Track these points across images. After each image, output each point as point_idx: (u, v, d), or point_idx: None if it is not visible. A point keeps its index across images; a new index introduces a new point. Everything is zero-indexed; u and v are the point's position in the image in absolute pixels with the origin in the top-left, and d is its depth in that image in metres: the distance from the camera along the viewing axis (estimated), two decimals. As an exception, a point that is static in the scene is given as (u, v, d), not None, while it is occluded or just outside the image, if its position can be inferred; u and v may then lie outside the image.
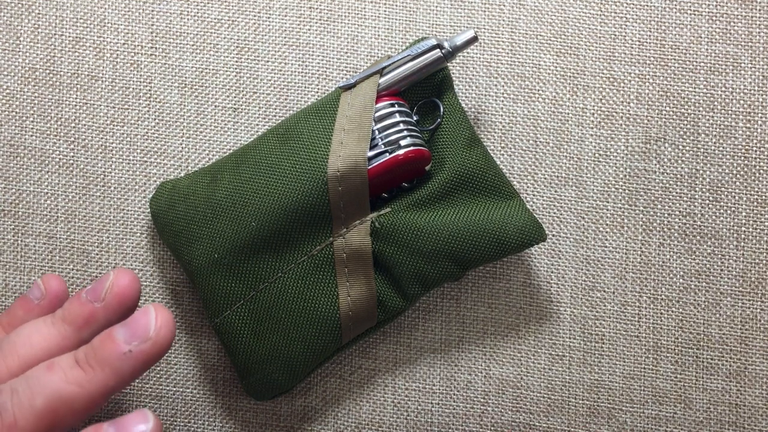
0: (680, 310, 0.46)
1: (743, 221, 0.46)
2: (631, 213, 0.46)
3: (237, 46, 0.47)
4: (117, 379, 0.36)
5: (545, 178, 0.46)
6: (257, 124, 0.47)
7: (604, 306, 0.46)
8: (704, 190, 0.46)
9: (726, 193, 0.46)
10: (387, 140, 0.42)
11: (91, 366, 0.35)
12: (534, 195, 0.46)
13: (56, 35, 0.47)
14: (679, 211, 0.46)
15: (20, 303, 0.41)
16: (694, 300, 0.46)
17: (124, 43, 0.47)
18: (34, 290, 0.42)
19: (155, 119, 0.47)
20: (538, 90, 0.47)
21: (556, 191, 0.46)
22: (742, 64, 0.47)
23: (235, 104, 0.47)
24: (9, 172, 0.46)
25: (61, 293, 0.42)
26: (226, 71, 0.47)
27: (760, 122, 0.46)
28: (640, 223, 0.46)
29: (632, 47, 0.47)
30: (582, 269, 0.46)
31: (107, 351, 0.36)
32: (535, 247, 0.46)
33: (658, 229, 0.46)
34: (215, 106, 0.47)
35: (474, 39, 0.43)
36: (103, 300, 0.38)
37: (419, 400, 0.46)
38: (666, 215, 0.46)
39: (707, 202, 0.46)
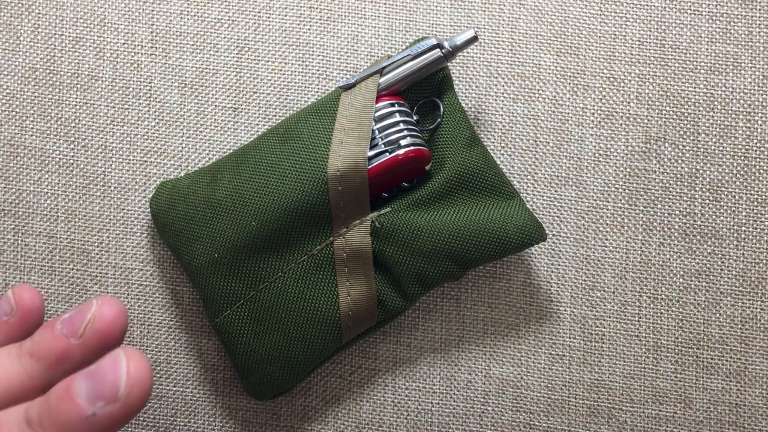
0: (680, 309, 0.46)
1: (743, 221, 0.46)
2: (631, 213, 0.46)
3: (237, 46, 0.47)
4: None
5: (545, 178, 0.46)
6: (257, 124, 0.47)
7: (604, 306, 0.46)
8: (704, 189, 0.46)
9: (726, 192, 0.46)
10: (387, 140, 0.42)
11: (44, 430, 0.29)
12: (534, 195, 0.46)
13: (56, 35, 0.47)
14: (680, 211, 0.46)
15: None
16: (694, 300, 0.46)
17: (124, 43, 0.47)
18: (2, 304, 0.35)
19: (155, 119, 0.47)
20: (538, 90, 0.47)
21: (556, 191, 0.46)
22: (743, 64, 0.47)
23: (235, 104, 0.47)
24: (9, 172, 0.46)
25: (34, 310, 0.35)
26: (226, 71, 0.47)
27: (760, 122, 0.46)
28: (641, 222, 0.46)
29: (632, 47, 0.47)
30: (582, 269, 0.46)
31: (66, 413, 0.29)
32: (535, 247, 0.46)
33: (658, 228, 0.46)
34: (215, 106, 0.47)
35: (474, 39, 0.43)
36: (81, 336, 0.32)
37: (419, 400, 0.46)
38: (666, 215, 0.46)
39: (707, 201, 0.46)
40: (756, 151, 0.46)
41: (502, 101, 0.47)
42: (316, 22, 0.47)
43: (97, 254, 0.46)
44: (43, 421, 0.29)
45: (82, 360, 0.32)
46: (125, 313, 0.33)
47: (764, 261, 0.46)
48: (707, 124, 0.47)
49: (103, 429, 0.29)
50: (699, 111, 0.47)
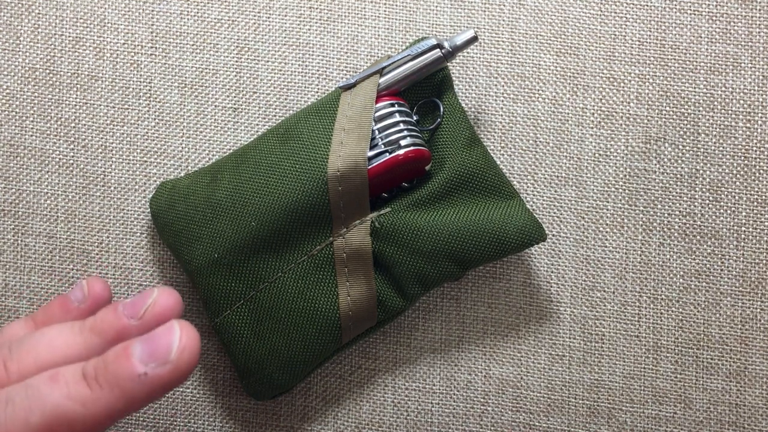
0: (680, 309, 0.46)
1: (743, 221, 0.46)
2: (631, 213, 0.46)
3: (237, 46, 0.47)
4: (126, 403, 0.31)
5: (545, 178, 0.46)
6: (257, 124, 0.47)
7: (604, 306, 0.46)
8: (704, 190, 0.46)
9: (726, 192, 0.46)
10: (387, 140, 0.42)
11: (99, 384, 0.32)
12: (534, 195, 0.46)
13: (56, 35, 0.47)
14: (679, 211, 0.46)
15: (59, 302, 0.38)
16: (694, 300, 0.46)
17: (124, 43, 0.47)
18: (76, 291, 0.38)
19: (155, 119, 0.47)
20: (538, 90, 0.47)
21: (556, 191, 0.46)
22: (742, 64, 0.47)
23: (235, 104, 0.47)
24: (9, 172, 0.46)
25: (103, 300, 0.38)
26: (226, 71, 0.47)
27: (760, 122, 0.46)
28: (640, 223, 0.46)
29: (632, 47, 0.47)
30: (582, 269, 0.46)
31: (120, 369, 0.31)
32: (535, 247, 0.46)
33: (658, 228, 0.46)
34: (215, 106, 0.47)
35: (474, 39, 0.43)
36: (141, 318, 0.34)
37: (419, 400, 0.46)
38: (666, 215, 0.46)
39: (707, 202, 0.46)
40: (756, 151, 0.46)
41: (502, 101, 0.47)
42: (316, 22, 0.47)
43: (97, 254, 0.46)
44: (98, 375, 0.31)
45: None
46: (182, 302, 0.35)
47: (764, 261, 0.46)
48: (707, 125, 0.47)
49: (153, 389, 0.32)
50: (699, 111, 0.47)
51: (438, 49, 0.43)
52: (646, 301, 0.46)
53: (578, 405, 0.46)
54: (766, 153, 0.46)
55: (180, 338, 0.32)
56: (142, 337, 0.33)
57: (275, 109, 0.47)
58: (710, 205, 0.46)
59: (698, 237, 0.46)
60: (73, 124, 0.47)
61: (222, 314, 0.43)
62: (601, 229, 0.46)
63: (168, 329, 0.32)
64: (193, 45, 0.47)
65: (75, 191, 0.46)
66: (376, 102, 0.43)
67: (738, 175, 0.46)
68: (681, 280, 0.46)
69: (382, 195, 0.44)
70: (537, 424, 0.46)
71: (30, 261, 0.46)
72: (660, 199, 0.46)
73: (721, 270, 0.46)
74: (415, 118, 0.44)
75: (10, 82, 0.47)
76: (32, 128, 0.47)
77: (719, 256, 0.46)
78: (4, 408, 0.31)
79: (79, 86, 0.47)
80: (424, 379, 0.46)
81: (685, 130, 0.47)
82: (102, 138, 0.47)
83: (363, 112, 0.42)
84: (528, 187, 0.46)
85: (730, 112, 0.47)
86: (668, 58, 0.47)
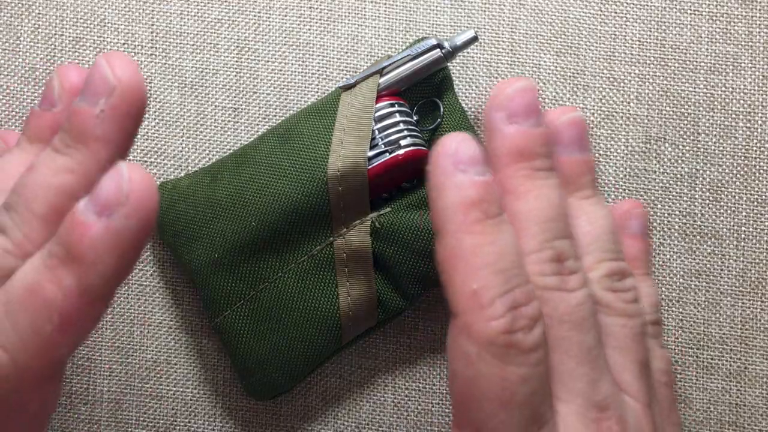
0: (680, 309, 0.46)
1: (743, 221, 0.46)
2: (631, 213, 0.46)
3: (237, 46, 0.47)
4: (106, 146, 0.29)
5: (545, 178, 0.46)
6: (257, 124, 0.47)
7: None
8: (704, 189, 0.46)
9: (726, 192, 0.46)
10: (387, 140, 0.42)
11: (70, 146, 0.29)
12: (534, 195, 0.46)
13: (56, 35, 0.47)
14: (679, 211, 0.46)
15: (33, 120, 0.33)
16: (694, 300, 0.46)
17: (124, 43, 0.47)
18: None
19: (155, 119, 0.47)
20: (538, 90, 0.47)
21: (556, 191, 0.46)
22: (743, 64, 0.47)
23: (235, 104, 0.47)
24: (9, 172, 0.46)
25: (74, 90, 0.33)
26: (226, 71, 0.47)
27: (760, 122, 0.46)
28: (640, 223, 0.46)
29: (632, 47, 0.47)
30: (582, 269, 0.46)
31: (78, 124, 0.29)
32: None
33: (658, 228, 0.46)
34: (215, 106, 0.47)
35: (474, 39, 0.43)
36: (60, 101, 0.32)
37: (419, 400, 0.46)
38: (666, 215, 0.46)
39: (707, 201, 0.46)
40: (756, 151, 0.46)
41: (502, 101, 0.47)
42: (316, 22, 0.47)
43: (97, 254, 0.46)
44: (65, 142, 0.29)
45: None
46: (80, 67, 0.33)
47: (764, 261, 0.46)
48: (707, 125, 0.47)
49: (117, 120, 0.29)
50: (699, 111, 0.47)
51: (438, 49, 0.43)
52: (646, 301, 0.46)
53: (578, 405, 0.46)
54: (766, 153, 0.46)
55: (110, 66, 0.29)
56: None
57: (275, 109, 0.47)
58: (710, 205, 0.46)
59: (698, 237, 0.46)
60: (73, 124, 0.47)
61: (222, 314, 0.43)
62: (601, 229, 0.46)
63: (96, 67, 0.29)
64: (193, 45, 0.47)
65: (75, 191, 0.46)
66: (376, 102, 0.43)
67: (738, 175, 0.46)
68: (681, 279, 0.46)
69: (382, 195, 0.44)
70: (537, 424, 0.46)
71: (30, 261, 0.46)
72: (660, 198, 0.46)
73: (722, 270, 0.46)
74: (415, 118, 0.44)
75: (10, 82, 0.47)
76: (32, 128, 0.47)
77: (719, 256, 0.46)
78: (7, 215, 0.29)
79: (79, 86, 0.47)
80: (424, 379, 0.46)
81: (685, 130, 0.47)
82: (102, 138, 0.47)
83: (363, 112, 0.42)
84: (528, 187, 0.46)
85: (730, 112, 0.47)
86: (668, 58, 0.47)
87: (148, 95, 0.47)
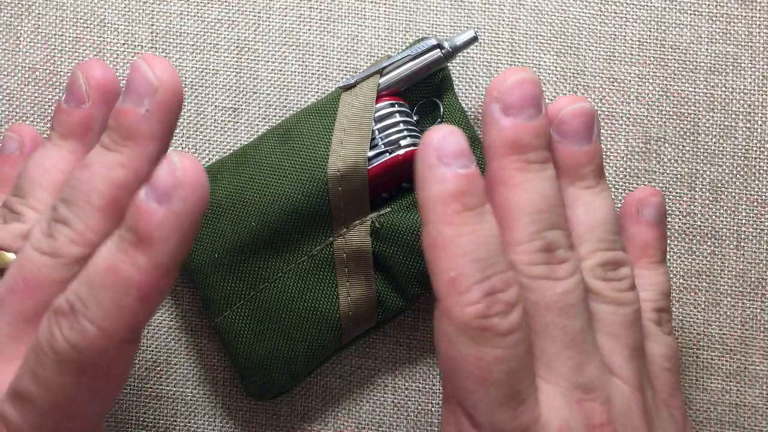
0: (680, 309, 0.46)
1: (743, 221, 0.46)
2: (631, 213, 0.46)
3: (237, 46, 0.47)
4: (154, 142, 0.32)
5: (545, 178, 0.46)
6: (257, 124, 0.47)
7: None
8: (704, 190, 0.46)
9: (726, 193, 0.46)
10: (387, 140, 0.42)
11: (120, 144, 0.32)
12: (534, 195, 0.46)
13: (56, 35, 0.47)
14: (679, 211, 0.46)
15: (62, 116, 0.36)
16: (694, 300, 0.46)
17: (124, 43, 0.47)
18: (7, 144, 0.39)
19: (155, 119, 0.47)
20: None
21: (556, 191, 0.46)
22: (742, 64, 0.47)
23: (235, 104, 0.47)
24: (9, 172, 0.46)
25: (111, 90, 0.36)
26: (226, 71, 0.47)
27: (760, 122, 0.46)
28: (640, 223, 0.46)
29: (632, 47, 0.47)
30: (582, 269, 0.46)
31: (126, 123, 0.32)
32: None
33: (658, 229, 0.46)
34: (215, 106, 0.47)
35: (474, 39, 0.43)
36: (89, 98, 0.35)
37: (419, 400, 0.46)
38: (666, 215, 0.46)
39: (707, 202, 0.46)
40: (756, 151, 0.46)
41: (502, 101, 0.47)
42: (316, 22, 0.47)
43: (97, 254, 0.46)
44: (114, 140, 0.32)
45: (103, 116, 0.35)
46: (107, 66, 0.36)
47: (764, 261, 0.46)
48: (707, 125, 0.47)
49: (162, 118, 0.32)
50: (699, 111, 0.47)
51: (438, 50, 0.43)
52: (646, 301, 0.46)
53: (578, 405, 0.46)
54: (766, 153, 0.46)
55: (151, 67, 0.32)
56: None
57: (275, 109, 0.47)
58: (710, 205, 0.46)
59: (698, 237, 0.46)
60: (73, 124, 0.47)
61: (222, 314, 0.43)
62: (601, 229, 0.46)
63: (134, 68, 0.32)
64: (193, 45, 0.47)
65: (75, 191, 0.46)
66: (376, 102, 0.43)
67: (738, 175, 0.46)
68: (681, 280, 0.46)
69: (382, 195, 0.44)
70: (537, 424, 0.46)
71: (30, 261, 0.46)
72: (660, 199, 0.46)
73: (721, 270, 0.46)
74: (415, 118, 0.44)
75: (10, 82, 0.47)
76: (32, 128, 0.47)
77: (719, 256, 0.46)
78: (68, 210, 0.32)
79: (79, 86, 0.47)
80: (424, 379, 0.46)
81: (685, 130, 0.47)
82: (102, 138, 0.47)
83: (363, 112, 0.42)
84: (528, 187, 0.46)
85: (730, 112, 0.47)
86: (668, 58, 0.47)
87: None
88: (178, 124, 0.47)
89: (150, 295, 0.30)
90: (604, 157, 0.46)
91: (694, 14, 0.47)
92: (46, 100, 0.47)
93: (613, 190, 0.46)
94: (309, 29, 0.47)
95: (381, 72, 0.43)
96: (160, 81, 0.32)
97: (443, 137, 0.32)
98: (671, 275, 0.46)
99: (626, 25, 0.47)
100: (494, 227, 0.31)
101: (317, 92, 0.47)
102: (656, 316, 0.36)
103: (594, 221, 0.34)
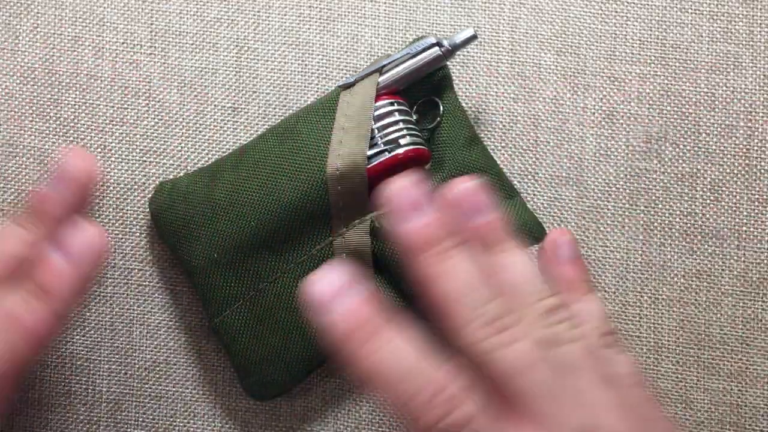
0: (681, 310, 0.46)
1: (744, 221, 0.46)
2: (632, 213, 0.46)
3: (237, 46, 0.47)
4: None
5: (545, 178, 0.46)
6: (257, 124, 0.47)
7: (605, 306, 0.46)
8: (705, 189, 0.46)
9: (727, 192, 0.46)
10: (386, 139, 0.42)
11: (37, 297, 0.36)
12: (534, 195, 0.46)
13: (55, 35, 0.47)
14: (680, 211, 0.46)
15: (36, 207, 0.39)
16: (695, 300, 0.46)
17: (123, 43, 0.47)
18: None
19: (155, 119, 0.47)
20: (539, 89, 0.47)
21: (556, 191, 0.46)
22: (744, 64, 0.47)
23: (235, 104, 0.47)
24: (8, 172, 0.46)
25: (85, 182, 0.39)
26: (226, 71, 0.47)
27: (761, 122, 0.46)
28: (641, 222, 0.46)
29: (633, 46, 0.47)
30: (582, 269, 0.46)
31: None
32: (535, 247, 0.46)
33: (659, 228, 0.46)
34: (215, 106, 0.47)
35: (473, 37, 0.43)
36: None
37: (419, 400, 0.46)
38: (667, 215, 0.46)
39: (708, 201, 0.46)
40: (757, 150, 0.46)
41: (502, 101, 0.47)
42: (316, 22, 0.47)
43: (97, 254, 0.46)
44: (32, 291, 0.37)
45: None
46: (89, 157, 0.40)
47: (765, 261, 0.46)
48: (708, 124, 0.46)
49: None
50: (700, 110, 0.47)
51: (437, 48, 0.43)
52: (647, 301, 0.46)
53: (579, 405, 0.46)
54: (766, 153, 0.46)
55: (90, 233, 0.37)
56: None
57: (275, 109, 0.47)
58: (711, 205, 0.46)
59: (699, 237, 0.46)
60: (72, 124, 0.47)
61: (221, 314, 0.43)
62: (601, 228, 0.46)
63: (79, 231, 0.37)
64: (192, 45, 0.47)
65: (74, 191, 0.46)
66: (376, 101, 0.43)
67: (739, 175, 0.46)
68: (682, 280, 0.46)
69: (382, 194, 0.43)
70: (537, 424, 0.46)
71: (29, 261, 0.46)
72: (661, 198, 0.46)
73: (722, 270, 0.46)
74: (414, 117, 0.44)
75: (9, 82, 0.47)
76: (31, 128, 0.47)
77: (720, 256, 0.46)
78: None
79: (78, 86, 0.47)
80: (424, 379, 0.46)
81: (686, 129, 0.46)
82: (101, 138, 0.47)
83: (362, 111, 0.42)
84: (528, 186, 0.46)
85: (731, 111, 0.46)
86: (669, 58, 0.47)
87: (148, 94, 0.47)
88: (179, 123, 0.47)
89: (41, 340, 0.36)
90: (605, 156, 0.46)
91: (695, 13, 0.47)
92: (45, 99, 0.47)
93: (614, 190, 0.46)
94: (309, 28, 0.47)
95: (380, 71, 0.43)
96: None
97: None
98: (672, 275, 0.46)
99: (627, 24, 0.47)
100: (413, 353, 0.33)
101: (317, 91, 0.47)
102: (604, 341, 0.37)
103: (519, 279, 0.35)
